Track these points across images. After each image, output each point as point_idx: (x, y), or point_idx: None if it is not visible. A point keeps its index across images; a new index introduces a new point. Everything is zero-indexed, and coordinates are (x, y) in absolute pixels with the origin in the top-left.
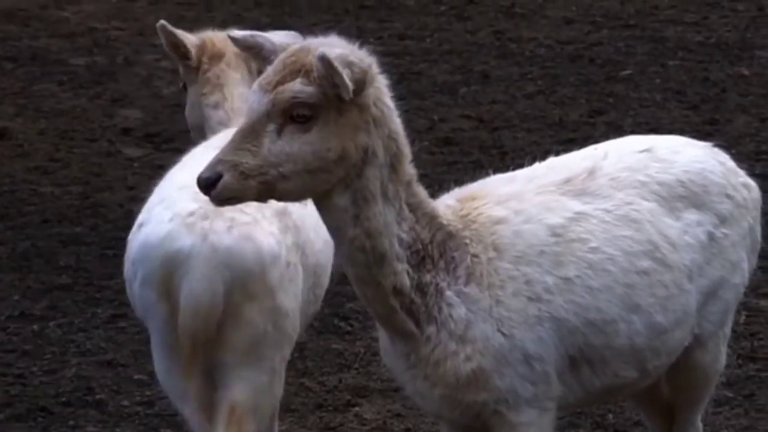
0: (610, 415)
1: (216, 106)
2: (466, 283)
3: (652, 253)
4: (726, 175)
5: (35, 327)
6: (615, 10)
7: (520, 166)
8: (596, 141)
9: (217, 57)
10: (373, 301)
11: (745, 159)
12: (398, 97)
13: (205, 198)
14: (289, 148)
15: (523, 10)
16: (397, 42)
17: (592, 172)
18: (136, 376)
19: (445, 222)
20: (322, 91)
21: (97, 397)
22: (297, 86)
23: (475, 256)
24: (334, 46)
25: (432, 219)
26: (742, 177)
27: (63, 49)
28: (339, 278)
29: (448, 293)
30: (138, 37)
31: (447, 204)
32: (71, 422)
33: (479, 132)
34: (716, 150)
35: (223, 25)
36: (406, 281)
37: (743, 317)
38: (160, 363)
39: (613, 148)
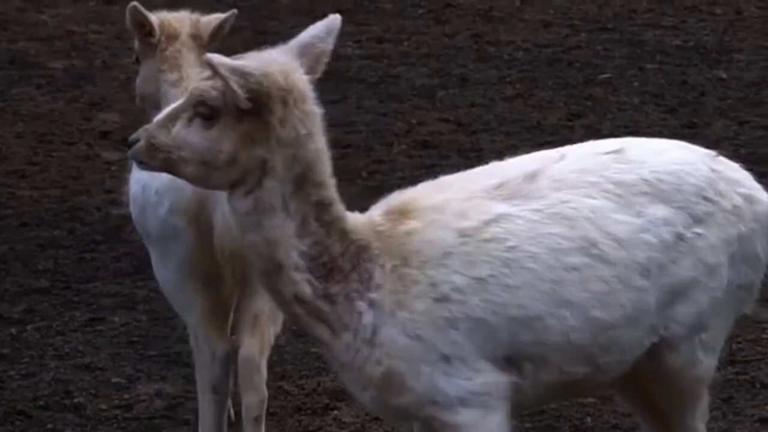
0: (589, 419)
1: (174, 83)
2: (375, 291)
3: (586, 249)
4: (711, 180)
5: (13, 330)
6: (593, 14)
7: None
8: (574, 144)
9: (173, 37)
10: (279, 306)
11: None
12: (377, 100)
13: None
14: (190, 138)
15: (501, 14)
16: (374, 45)
17: (533, 176)
18: (114, 380)
19: (357, 237)
20: (223, 96)
21: (75, 400)
22: (205, 86)
23: (382, 266)
24: (257, 58)
25: (345, 234)
26: (744, 189)
27: (41, 52)
28: None
29: (359, 302)
30: (116, 41)
31: (370, 217)
32: (49, 426)
33: (457, 135)
34: (717, 159)
35: None
36: (308, 290)
37: None
38: (171, 278)
39: (577, 149)
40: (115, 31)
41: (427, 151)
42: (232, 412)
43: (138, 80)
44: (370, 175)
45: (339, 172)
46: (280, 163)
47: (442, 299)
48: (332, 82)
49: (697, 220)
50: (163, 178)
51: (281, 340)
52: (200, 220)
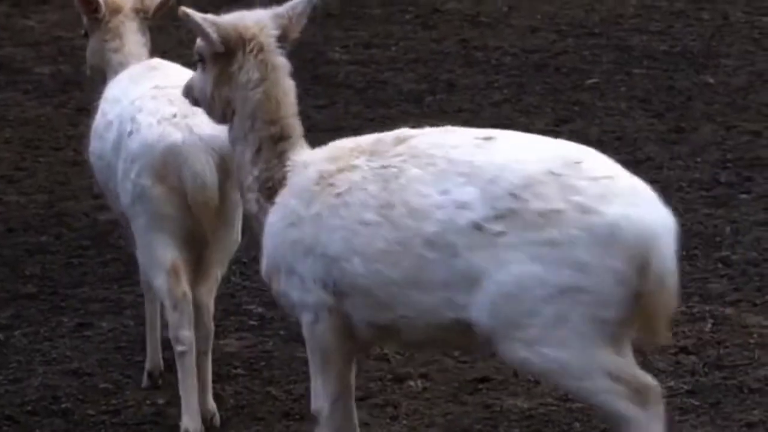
0: (577, 424)
1: (116, 50)
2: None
3: (382, 210)
4: (535, 182)
5: (0, 336)
6: (580, 19)
7: None
8: None
9: (117, 11)
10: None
11: (711, 167)
12: (364, 106)
13: (178, 101)
14: (193, 80)
15: (489, 19)
16: (362, 50)
17: (402, 140)
18: (101, 385)
19: (289, 169)
20: (206, 44)
21: (63, 405)
22: (199, 41)
23: (281, 192)
24: (233, 14)
25: (283, 167)
26: (582, 198)
27: (28, 57)
28: None
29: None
30: None
31: (309, 155)
32: (37, 431)
33: None
34: (577, 165)
35: (189, 35)
36: (255, 207)
37: (709, 325)
38: (143, 239)
39: (465, 131)
40: None
41: None
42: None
43: (87, 53)
44: None
45: None
46: (239, 103)
47: (292, 225)
48: (320, 87)
49: (498, 216)
50: (136, 146)
51: (269, 345)
52: (167, 179)
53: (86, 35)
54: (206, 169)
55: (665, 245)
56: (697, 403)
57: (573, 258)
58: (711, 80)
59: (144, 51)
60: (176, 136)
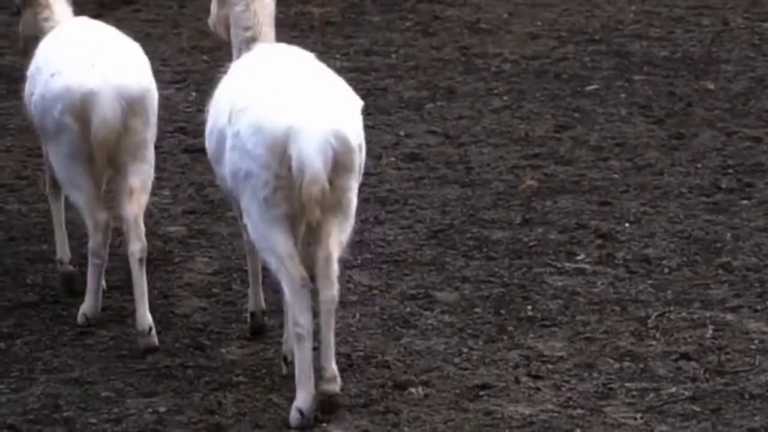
0: (578, 430)
1: (47, 19)
2: None
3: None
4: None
5: (2, 345)
6: (580, 26)
7: (487, 181)
8: (562, 156)
9: None
10: None
11: (711, 173)
12: (365, 113)
13: (96, 52)
14: (212, 11)
15: (489, 26)
16: (362, 58)
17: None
18: (103, 393)
19: None
20: None
21: (65, 414)
22: None
23: None
24: None
25: None
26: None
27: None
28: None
29: None
30: None
31: None
32: None
33: (445, 147)
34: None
35: (189, 42)
36: None
37: (710, 331)
38: (63, 164)
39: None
40: None
41: (415, 163)
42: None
43: (21, 27)
44: (358, 187)
45: None
46: (231, 18)
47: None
48: None
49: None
50: (56, 87)
51: (270, 353)
52: (84, 117)
53: (18, 12)
54: (113, 113)
55: (303, 142)
56: (698, 409)
57: (243, 147)
58: (711, 86)
59: (70, 13)
60: (93, 83)
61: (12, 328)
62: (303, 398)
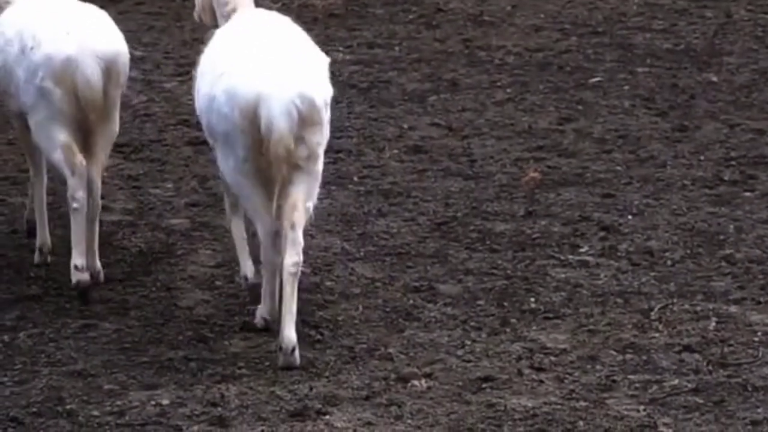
0: (581, 422)
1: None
2: None
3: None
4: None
5: (5, 337)
6: (583, 18)
7: (490, 173)
8: (565, 148)
9: None
10: None
11: (714, 165)
12: (368, 105)
13: (68, 20)
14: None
15: (492, 18)
16: (366, 50)
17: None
18: (106, 386)
19: None
20: None
21: (68, 407)
22: None
23: None
24: None
25: None
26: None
27: None
28: (310, 287)
29: None
30: None
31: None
32: None
33: (449, 140)
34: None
35: (192, 34)
36: None
37: (713, 323)
38: (43, 129)
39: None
40: None
41: (419, 155)
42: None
43: None
44: (361, 179)
45: (331, 176)
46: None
47: None
48: None
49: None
50: (41, 55)
51: (273, 346)
52: (65, 82)
53: None
54: (94, 76)
55: (271, 107)
56: (701, 401)
57: (220, 111)
58: (714, 78)
59: None
60: (71, 49)
61: (15, 321)
62: (267, 310)
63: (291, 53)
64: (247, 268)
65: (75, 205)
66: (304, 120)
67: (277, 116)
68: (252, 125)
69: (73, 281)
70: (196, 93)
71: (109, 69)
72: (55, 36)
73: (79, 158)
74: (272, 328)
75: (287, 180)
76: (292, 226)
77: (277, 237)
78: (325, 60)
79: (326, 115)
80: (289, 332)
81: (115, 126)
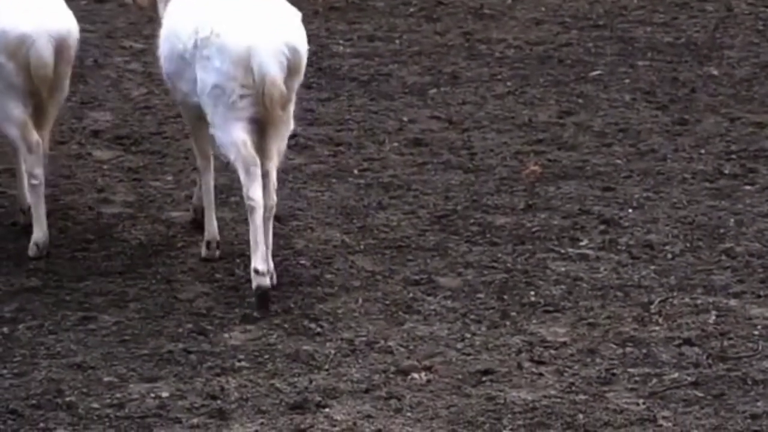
0: (581, 416)
1: None
2: None
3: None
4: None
5: (5, 329)
6: (584, 11)
7: (490, 166)
8: (566, 142)
9: None
10: None
11: (715, 159)
12: (368, 98)
13: (29, 3)
14: None
15: (492, 12)
16: (366, 43)
17: None
18: (106, 378)
19: None
20: None
21: (67, 399)
22: None
23: None
24: None
25: None
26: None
27: None
28: (310, 280)
29: None
30: (107, 40)
31: None
32: (41, 425)
33: (449, 133)
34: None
35: None
36: None
37: (713, 317)
38: (2, 102)
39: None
40: (106, 30)
41: (419, 148)
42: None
43: None
44: (361, 172)
45: (331, 169)
46: None
47: None
48: (324, 79)
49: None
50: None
51: (273, 338)
52: (18, 56)
53: None
54: (47, 52)
55: (263, 56)
56: (701, 394)
57: (212, 66)
58: (715, 72)
59: None
60: (26, 26)
61: (15, 313)
62: (258, 259)
63: (271, 10)
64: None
65: (34, 181)
66: (290, 68)
67: (270, 64)
68: (245, 75)
69: (254, 286)
70: (168, 56)
71: (60, 47)
72: (12, 11)
73: (37, 138)
74: (263, 286)
75: (273, 124)
76: (271, 168)
77: (257, 170)
78: (298, 14)
79: (305, 63)
80: (261, 261)
81: (65, 94)
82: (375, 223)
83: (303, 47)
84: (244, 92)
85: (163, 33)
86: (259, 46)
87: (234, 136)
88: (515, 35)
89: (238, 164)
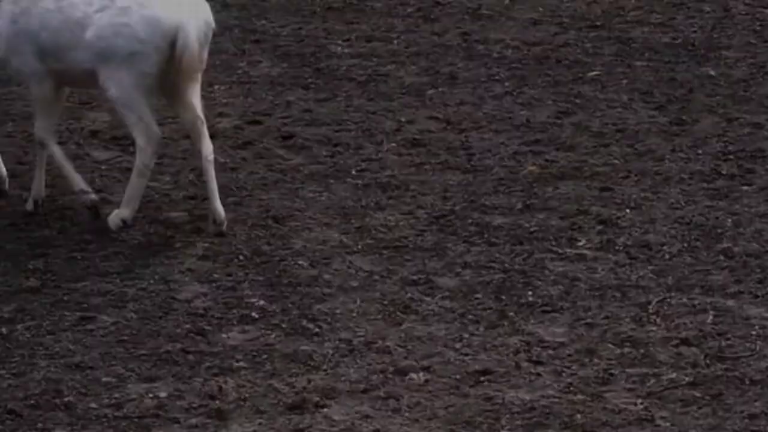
0: (579, 416)
1: None
2: None
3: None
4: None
5: (3, 330)
6: (582, 12)
7: (488, 167)
8: (564, 142)
9: None
10: None
11: (712, 159)
12: (366, 99)
13: None
14: None
15: (490, 12)
16: (364, 44)
17: None
18: (104, 379)
19: None
20: None
21: (66, 399)
22: None
23: None
24: None
25: None
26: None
27: None
28: (308, 280)
29: None
30: None
31: None
32: (39, 425)
33: (447, 133)
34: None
35: None
36: None
37: (711, 317)
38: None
39: None
40: None
41: (417, 149)
42: None
43: None
44: (359, 173)
45: (329, 169)
46: None
47: None
48: (322, 80)
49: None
50: None
51: (271, 338)
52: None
53: None
54: (196, 40)
55: (189, 31)
56: (698, 394)
57: (134, 34)
58: (712, 72)
59: None
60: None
61: (13, 313)
62: (128, 213)
63: None
64: (82, 182)
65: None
66: (206, 42)
67: (194, 38)
68: (168, 47)
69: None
70: (59, 27)
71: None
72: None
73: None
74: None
75: (188, 88)
76: (201, 122)
77: (157, 140)
78: None
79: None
80: (218, 205)
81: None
82: (373, 223)
83: (213, 23)
84: (159, 60)
85: (43, 5)
86: (188, 24)
87: (140, 106)
88: (513, 36)
89: (136, 131)
